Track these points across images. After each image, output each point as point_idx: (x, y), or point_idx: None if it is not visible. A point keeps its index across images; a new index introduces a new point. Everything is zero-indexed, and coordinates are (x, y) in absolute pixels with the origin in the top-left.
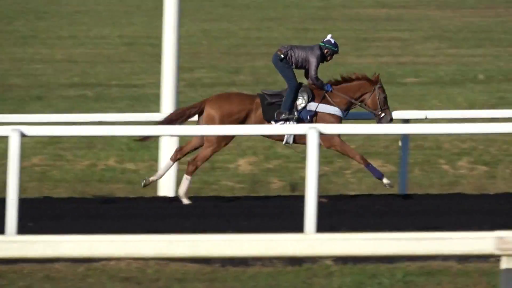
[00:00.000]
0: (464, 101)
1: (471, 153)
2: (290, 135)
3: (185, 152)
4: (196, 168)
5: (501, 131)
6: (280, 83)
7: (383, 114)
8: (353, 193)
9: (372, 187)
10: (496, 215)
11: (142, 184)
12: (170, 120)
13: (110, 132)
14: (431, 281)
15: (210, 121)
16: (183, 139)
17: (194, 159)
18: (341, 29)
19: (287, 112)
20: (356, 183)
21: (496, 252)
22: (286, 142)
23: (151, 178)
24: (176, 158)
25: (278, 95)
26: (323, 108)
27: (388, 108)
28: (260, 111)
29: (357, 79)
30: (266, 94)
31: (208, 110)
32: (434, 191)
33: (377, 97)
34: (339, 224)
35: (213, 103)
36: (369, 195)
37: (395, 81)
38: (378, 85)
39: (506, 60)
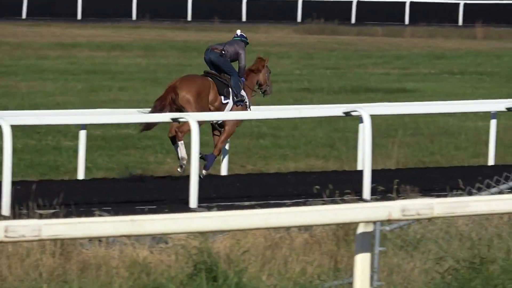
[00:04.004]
0: None
1: None
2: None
3: (182, 132)
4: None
5: None
6: None
7: (268, 87)
8: None
9: None
10: None
11: (180, 170)
12: (160, 109)
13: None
14: None
15: (188, 104)
16: None
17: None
18: None
19: (240, 95)
20: None
21: (5, 240)
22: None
23: (183, 163)
24: (180, 137)
25: (220, 76)
26: (245, 95)
27: (270, 82)
28: (216, 88)
29: (253, 67)
30: (214, 74)
31: (182, 94)
32: None
33: (266, 75)
34: None
35: (183, 87)
36: None
37: None
38: (265, 64)
39: None
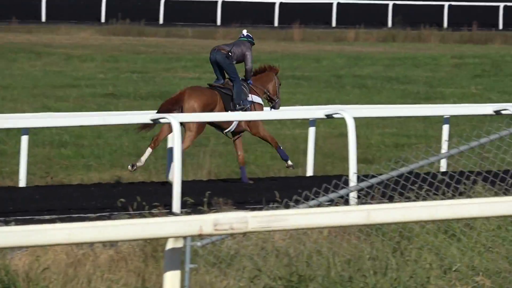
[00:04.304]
0: None
1: None
2: (234, 125)
3: (160, 140)
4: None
5: None
6: None
7: (277, 100)
8: None
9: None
10: None
11: (130, 168)
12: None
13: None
14: None
15: (192, 111)
16: None
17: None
18: None
19: (242, 102)
20: None
21: None
22: (228, 131)
23: (137, 164)
24: (154, 145)
25: (225, 87)
26: (256, 98)
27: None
28: (222, 102)
29: (264, 70)
30: (219, 87)
31: (190, 103)
32: None
33: (276, 85)
34: None
35: (191, 96)
36: None
37: None
38: (276, 74)
39: None
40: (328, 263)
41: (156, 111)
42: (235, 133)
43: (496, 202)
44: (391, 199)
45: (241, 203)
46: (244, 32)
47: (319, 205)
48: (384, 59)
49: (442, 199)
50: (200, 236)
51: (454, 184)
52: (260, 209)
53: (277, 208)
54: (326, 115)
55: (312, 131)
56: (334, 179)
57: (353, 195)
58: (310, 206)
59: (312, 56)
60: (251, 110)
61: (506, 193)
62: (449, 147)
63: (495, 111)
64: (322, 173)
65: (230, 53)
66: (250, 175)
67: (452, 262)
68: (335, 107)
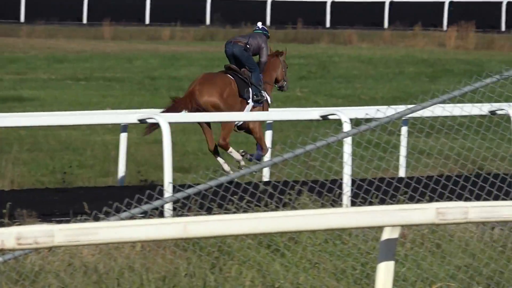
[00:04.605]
0: None
1: None
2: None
3: (213, 145)
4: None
5: None
6: None
7: (285, 83)
8: None
9: None
10: None
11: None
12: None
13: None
14: None
15: (215, 108)
16: None
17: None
18: None
19: (260, 94)
20: None
21: None
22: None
23: (242, 164)
24: (214, 149)
25: (240, 73)
26: (265, 94)
27: (287, 77)
28: (236, 86)
29: (271, 57)
30: (234, 70)
31: (205, 99)
32: None
33: (283, 70)
34: None
35: (203, 91)
36: None
37: None
38: (283, 58)
39: None
40: (141, 280)
41: None
42: (241, 128)
43: (322, 214)
44: (209, 211)
45: (47, 215)
46: (259, 24)
47: (131, 218)
48: (202, 59)
49: (264, 211)
50: (1, 251)
51: (277, 195)
52: (68, 221)
53: (85, 220)
54: (139, 120)
55: (123, 137)
56: (148, 189)
57: (168, 207)
58: (122, 219)
59: (124, 56)
60: (262, 106)
61: (333, 204)
62: (272, 155)
63: (321, 116)
64: (135, 183)
65: (247, 45)
66: (54, 185)
67: (275, 279)
68: (149, 112)
